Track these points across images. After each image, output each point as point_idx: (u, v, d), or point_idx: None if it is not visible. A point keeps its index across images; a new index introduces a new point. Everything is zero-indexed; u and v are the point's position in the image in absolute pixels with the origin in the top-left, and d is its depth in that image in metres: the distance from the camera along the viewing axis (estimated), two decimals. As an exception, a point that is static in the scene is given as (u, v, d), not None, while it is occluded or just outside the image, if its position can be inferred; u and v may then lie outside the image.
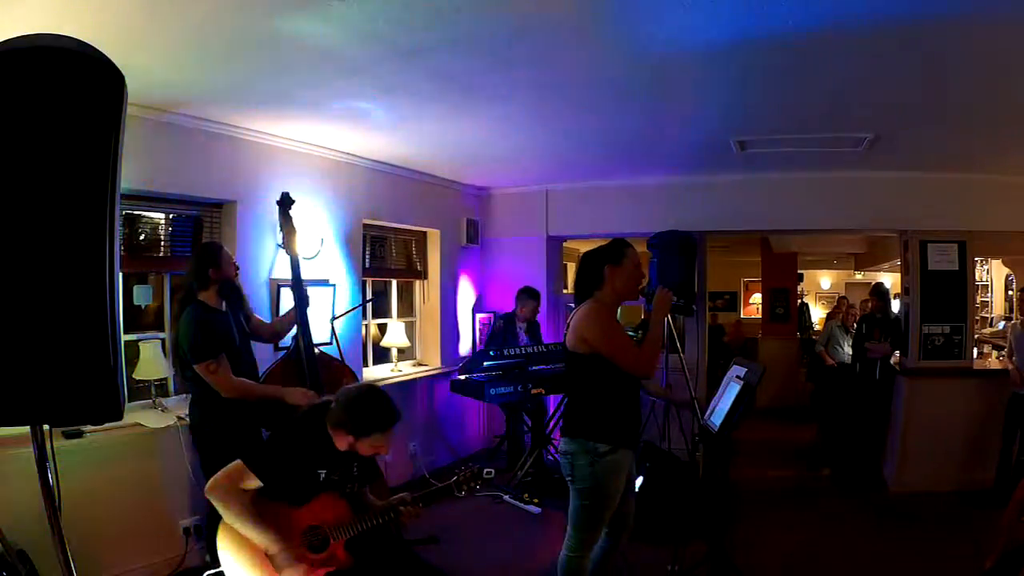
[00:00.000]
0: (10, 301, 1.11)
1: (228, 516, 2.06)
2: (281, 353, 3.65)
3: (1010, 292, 8.17)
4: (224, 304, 3.01)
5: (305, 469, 2.15)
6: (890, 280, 10.21)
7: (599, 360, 2.45)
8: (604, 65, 2.75)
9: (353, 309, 4.44)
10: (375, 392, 2.24)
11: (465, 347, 5.89)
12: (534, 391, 4.76)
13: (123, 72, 1.20)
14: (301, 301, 3.26)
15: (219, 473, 2.09)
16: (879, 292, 5.42)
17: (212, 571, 2.20)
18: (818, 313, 11.93)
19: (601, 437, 2.45)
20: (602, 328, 2.46)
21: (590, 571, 2.60)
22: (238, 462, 2.09)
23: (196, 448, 3.11)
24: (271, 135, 3.89)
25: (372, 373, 5.04)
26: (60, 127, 1.13)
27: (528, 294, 5.17)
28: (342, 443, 2.15)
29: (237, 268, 3.08)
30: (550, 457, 5.13)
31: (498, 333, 5.21)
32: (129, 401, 3.28)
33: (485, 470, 2.42)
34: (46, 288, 1.13)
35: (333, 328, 3.99)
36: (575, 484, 2.49)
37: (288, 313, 3.42)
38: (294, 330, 3.31)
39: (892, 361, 5.16)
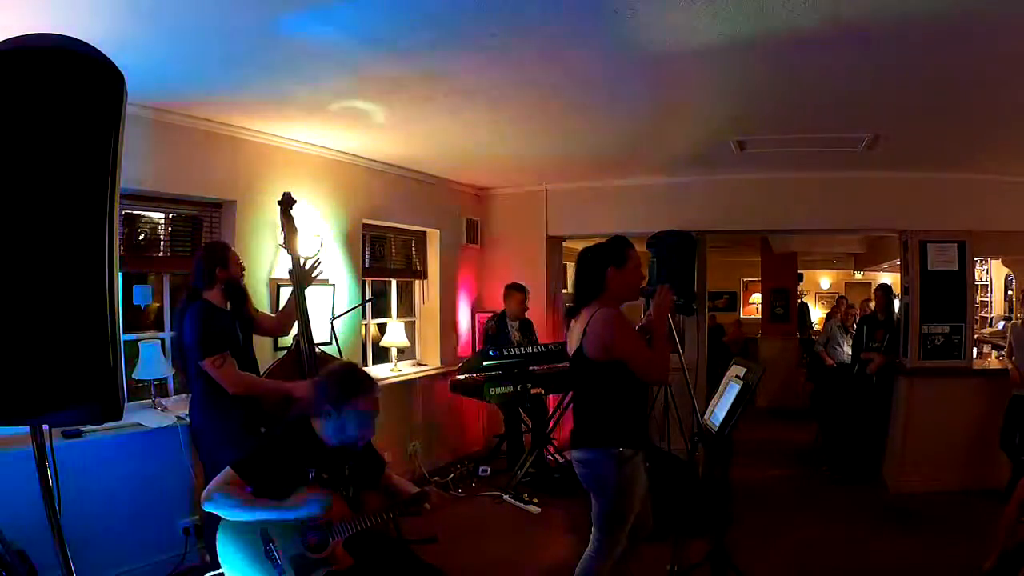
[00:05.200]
0: (10, 301, 1.11)
1: (232, 514, 2.06)
2: (282, 352, 3.65)
3: (1010, 292, 8.16)
4: (228, 304, 3.00)
5: (293, 469, 2.14)
6: (890, 280, 10.21)
7: (620, 367, 2.40)
8: (604, 65, 2.75)
9: (353, 309, 4.44)
10: (347, 364, 2.34)
11: (465, 347, 5.90)
12: (534, 391, 4.76)
13: (123, 72, 1.20)
14: (301, 300, 3.26)
15: (211, 482, 2.10)
16: (884, 291, 5.42)
17: (213, 573, 2.20)
18: (818, 313, 11.93)
19: (624, 441, 2.42)
20: (625, 335, 2.41)
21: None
22: (228, 469, 2.09)
23: (197, 448, 3.11)
24: (271, 135, 3.89)
25: (372, 373, 5.03)
26: (60, 127, 1.13)
27: (513, 288, 5.17)
28: (326, 428, 2.16)
29: (243, 269, 3.07)
30: (550, 457, 5.14)
31: (492, 335, 5.20)
32: (129, 401, 3.29)
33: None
34: (46, 288, 1.13)
35: (333, 328, 4.00)
36: (602, 492, 2.44)
37: (287, 305, 3.41)
38: (295, 330, 3.31)
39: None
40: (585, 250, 2.60)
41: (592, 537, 2.52)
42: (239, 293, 3.03)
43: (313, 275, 3.36)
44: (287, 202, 3.44)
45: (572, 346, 2.53)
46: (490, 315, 5.45)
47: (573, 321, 2.58)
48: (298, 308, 3.26)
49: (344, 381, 2.19)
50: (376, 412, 2.22)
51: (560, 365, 5.05)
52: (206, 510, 2.07)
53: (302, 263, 3.35)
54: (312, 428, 2.19)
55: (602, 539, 2.48)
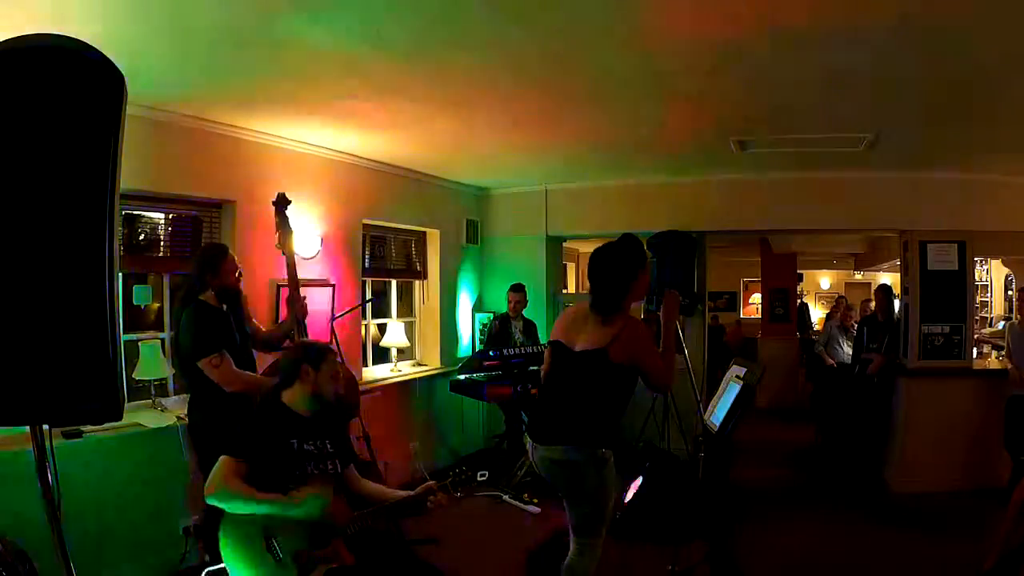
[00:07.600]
0: (10, 301, 1.11)
1: (236, 505, 2.06)
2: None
3: (1010, 292, 8.16)
4: (224, 306, 3.00)
5: (279, 442, 2.20)
6: (890, 280, 10.21)
7: (632, 373, 2.42)
8: (604, 65, 2.75)
9: (353, 309, 4.44)
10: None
11: (465, 347, 5.89)
12: (533, 391, 4.75)
13: (123, 72, 1.20)
14: (298, 303, 3.25)
15: (210, 475, 2.11)
16: (884, 292, 5.43)
17: (212, 567, 2.21)
18: (818, 313, 11.92)
19: (607, 444, 2.43)
20: (651, 348, 2.45)
21: None
22: (223, 457, 2.13)
23: (195, 448, 3.10)
24: (271, 135, 3.89)
25: (372, 373, 5.04)
26: (60, 127, 1.13)
27: (511, 288, 5.22)
28: (304, 395, 2.30)
29: (240, 274, 3.05)
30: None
31: (495, 334, 5.20)
32: (129, 401, 3.28)
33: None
34: (46, 288, 1.13)
35: (332, 328, 3.99)
36: (586, 492, 2.43)
37: (283, 323, 3.39)
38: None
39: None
40: (611, 250, 2.50)
41: (575, 542, 2.48)
42: (232, 299, 3.02)
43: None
44: (281, 202, 3.43)
45: (585, 345, 2.43)
46: (492, 314, 5.46)
47: (594, 320, 2.46)
48: (293, 309, 3.25)
49: (297, 350, 2.43)
50: (335, 363, 2.42)
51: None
52: (209, 503, 2.08)
53: (295, 265, 3.35)
54: (284, 404, 2.31)
55: (589, 541, 2.46)
